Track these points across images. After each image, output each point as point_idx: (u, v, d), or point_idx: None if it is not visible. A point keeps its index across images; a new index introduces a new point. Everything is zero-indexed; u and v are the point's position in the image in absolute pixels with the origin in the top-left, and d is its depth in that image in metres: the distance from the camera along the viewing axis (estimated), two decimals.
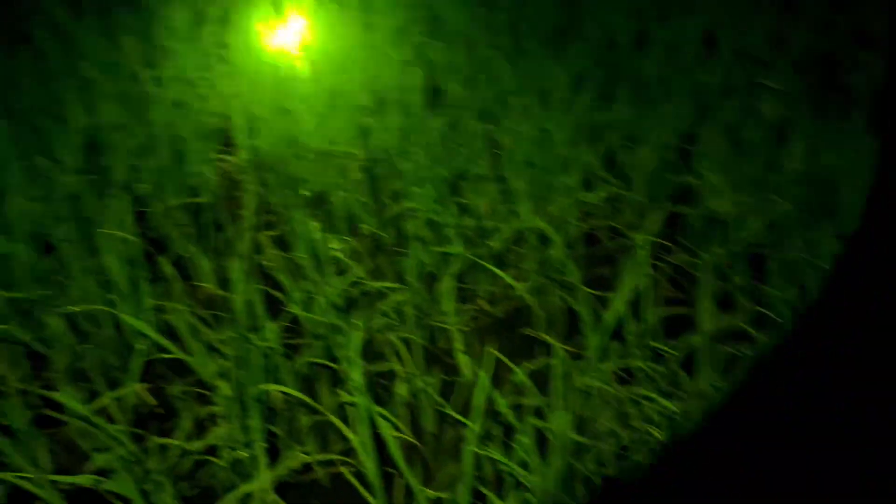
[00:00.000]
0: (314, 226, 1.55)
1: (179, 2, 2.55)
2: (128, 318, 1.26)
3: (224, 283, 1.61)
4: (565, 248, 1.57)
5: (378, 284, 1.51)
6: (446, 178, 1.77)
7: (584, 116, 2.00)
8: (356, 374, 1.13)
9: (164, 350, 1.32)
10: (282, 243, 1.72)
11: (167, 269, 1.49)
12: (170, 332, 1.37)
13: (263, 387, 1.17)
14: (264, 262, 1.65)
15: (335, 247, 1.61)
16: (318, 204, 1.85)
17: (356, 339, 1.20)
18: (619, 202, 1.84)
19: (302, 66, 2.26)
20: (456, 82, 2.21)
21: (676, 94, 2.12)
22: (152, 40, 2.44)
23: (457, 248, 1.58)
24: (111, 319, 1.45)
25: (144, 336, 1.27)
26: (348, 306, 1.45)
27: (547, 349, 1.42)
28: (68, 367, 1.38)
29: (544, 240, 1.60)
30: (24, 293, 1.44)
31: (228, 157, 2.01)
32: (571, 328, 1.52)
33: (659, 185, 1.86)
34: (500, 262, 1.64)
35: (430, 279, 1.56)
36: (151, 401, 1.35)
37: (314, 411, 1.26)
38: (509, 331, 1.55)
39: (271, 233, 1.75)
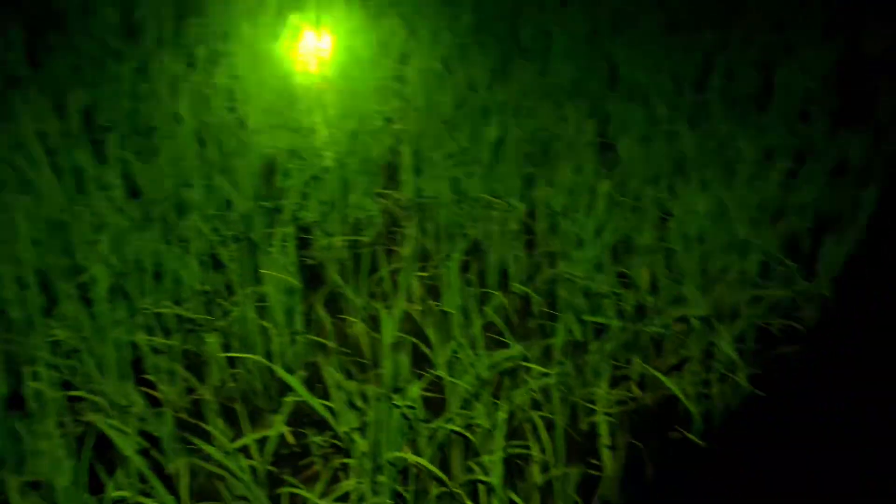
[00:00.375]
0: (466, 278, 1.51)
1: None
2: (278, 370, 1.28)
3: (373, 321, 1.62)
4: (733, 343, 1.43)
5: (525, 352, 1.45)
6: (609, 245, 1.68)
7: (770, 194, 1.84)
8: (492, 453, 1.07)
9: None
10: (433, 289, 1.71)
11: (320, 305, 1.51)
12: (316, 374, 1.38)
13: (399, 454, 1.14)
14: (414, 309, 1.64)
15: (486, 307, 1.56)
16: (473, 253, 1.82)
17: (498, 415, 1.15)
18: (801, 296, 1.67)
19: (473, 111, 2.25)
20: (630, 141, 2.11)
21: (875, 179, 1.90)
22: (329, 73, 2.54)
23: (613, 322, 1.49)
24: (264, 347, 1.50)
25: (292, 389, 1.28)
26: (492, 375, 1.40)
27: (700, 453, 1.30)
28: (217, 393, 1.43)
29: (710, 328, 1.47)
30: (190, 310, 1.51)
31: (392, 194, 2.03)
32: (728, 431, 1.38)
33: (848, 282, 1.66)
34: (658, 345, 1.53)
35: (580, 352, 1.48)
36: (291, 440, 1.37)
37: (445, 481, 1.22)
38: (660, 426, 1.43)
39: (424, 274, 1.75)
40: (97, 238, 1.54)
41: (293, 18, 2.75)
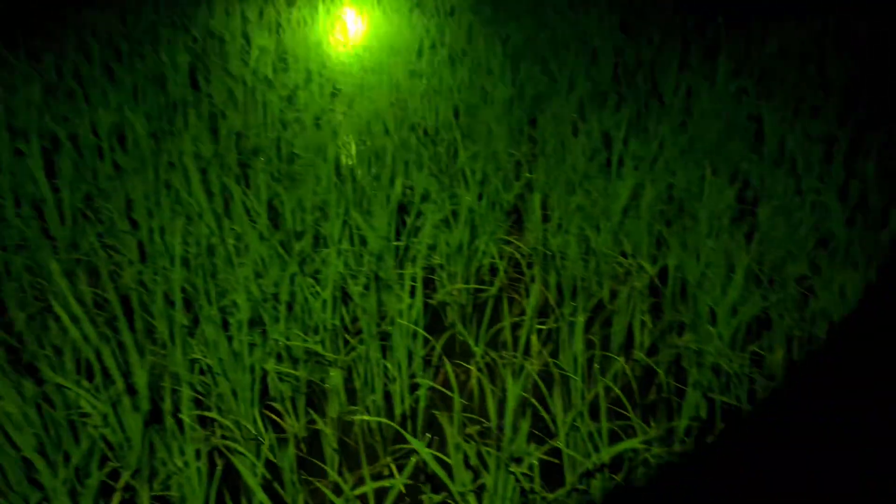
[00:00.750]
0: (588, 339, 1.48)
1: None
2: (394, 425, 1.29)
3: (490, 370, 1.62)
4: None
5: (648, 435, 1.40)
6: (744, 321, 1.60)
7: None
8: None
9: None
10: (554, 345, 1.69)
11: (440, 350, 1.52)
12: (432, 421, 1.39)
13: None
14: (534, 366, 1.62)
15: (607, 372, 1.52)
16: (597, 312, 1.79)
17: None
18: None
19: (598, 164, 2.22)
20: (772, 209, 2.01)
21: None
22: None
23: (744, 405, 1.41)
24: (384, 387, 1.52)
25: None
26: (610, 451, 1.36)
27: None
28: (337, 427, 1.46)
29: None
30: (317, 343, 1.56)
31: (517, 242, 2.03)
32: None
33: None
34: None
35: (706, 435, 1.41)
36: (402, 488, 1.38)
37: None
38: None
39: (545, 326, 1.73)
40: (241, 262, 1.62)
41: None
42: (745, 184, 2.18)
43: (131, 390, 1.32)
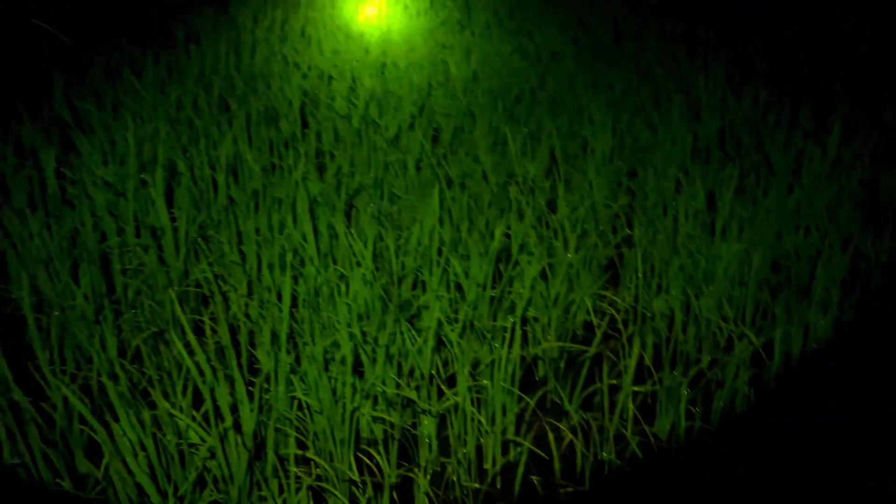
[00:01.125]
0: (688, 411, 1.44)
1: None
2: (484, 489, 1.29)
3: (584, 432, 1.59)
4: None
5: None
6: None
7: None
8: None
9: None
10: (650, 411, 1.65)
11: (533, 406, 1.51)
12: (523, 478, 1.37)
13: None
14: (628, 434, 1.59)
15: None
16: (696, 381, 1.74)
17: None
18: None
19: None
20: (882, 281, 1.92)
21: None
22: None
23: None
24: (475, 440, 1.52)
25: None
26: None
27: None
28: (428, 474, 1.47)
29: None
30: (412, 391, 1.58)
31: (615, 298, 2.00)
32: None
33: None
34: None
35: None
36: None
37: None
38: None
39: (641, 389, 1.69)
40: (345, 302, 1.66)
41: None
42: (857, 253, 2.08)
43: (237, 425, 1.36)
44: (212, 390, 1.32)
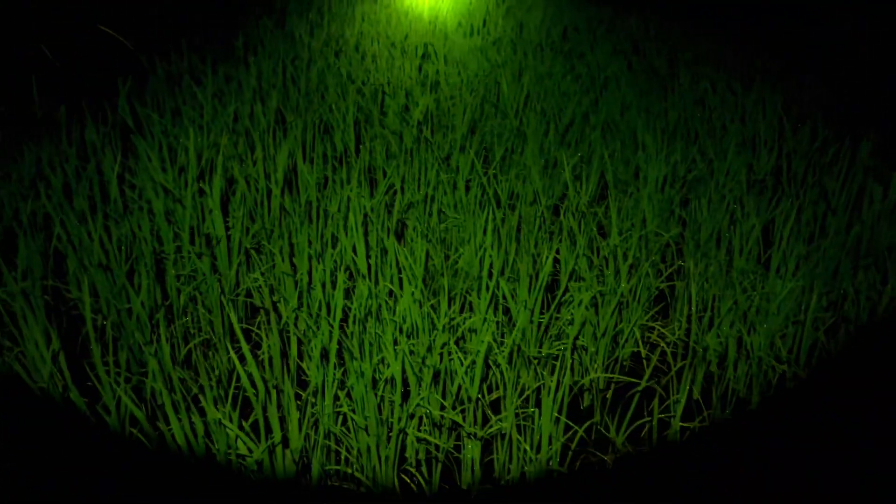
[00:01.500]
0: None
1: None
2: None
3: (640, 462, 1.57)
4: None
5: None
6: None
7: None
8: None
9: None
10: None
11: (581, 436, 1.49)
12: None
13: None
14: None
15: None
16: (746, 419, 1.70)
17: None
18: None
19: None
20: None
21: None
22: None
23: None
24: (520, 467, 1.51)
25: None
26: None
27: None
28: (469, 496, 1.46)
29: None
30: (458, 414, 1.57)
31: (664, 331, 1.97)
32: None
33: None
34: None
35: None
36: None
37: None
38: None
39: (690, 425, 1.66)
40: (394, 320, 1.66)
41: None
42: None
43: (285, 440, 1.37)
44: (264, 407, 1.33)
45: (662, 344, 1.93)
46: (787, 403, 1.65)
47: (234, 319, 1.57)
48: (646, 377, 1.67)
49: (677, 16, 4.96)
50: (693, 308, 1.92)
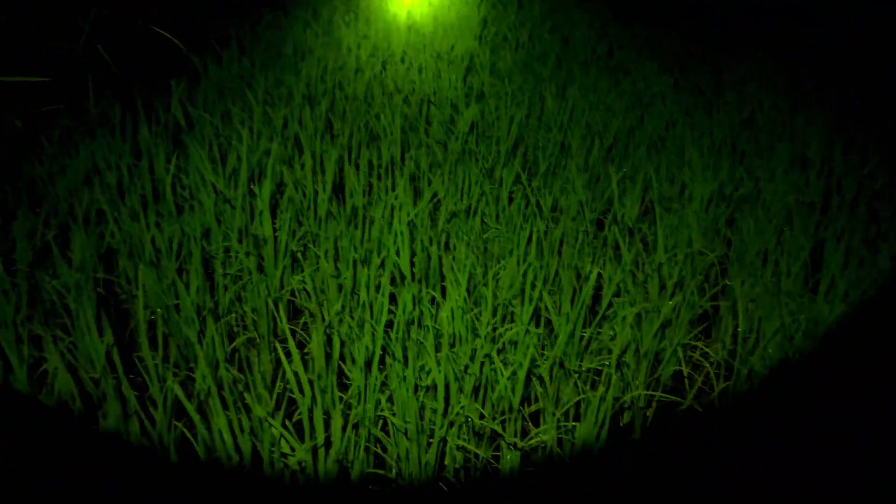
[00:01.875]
0: None
1: None
2: None
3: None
4: None
5: None
6: None
7: None
8: None
9: None
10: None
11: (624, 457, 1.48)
12: None
13: None
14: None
15: None
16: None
17: None
18: None
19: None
20: None
21: None
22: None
23: None
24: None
25: None
26: None
27: None
28: None
29: None
30: (497, 424, 1.57)
31: (707, 350, 1.95)
32: None
33: None
34: None
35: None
36: None
37: None
38: None
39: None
40: (436, 327, 1.67)
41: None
42: None
43: (328, 442, 1.39)
44: (310, 409, 1.35)
45: (706, 364, 1.91)
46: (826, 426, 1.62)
47: (282, 319, 1.59)
48: (690, 396, 1.65)
49: (723, 35, 4.92)
50: (739, 328, 1.90)
